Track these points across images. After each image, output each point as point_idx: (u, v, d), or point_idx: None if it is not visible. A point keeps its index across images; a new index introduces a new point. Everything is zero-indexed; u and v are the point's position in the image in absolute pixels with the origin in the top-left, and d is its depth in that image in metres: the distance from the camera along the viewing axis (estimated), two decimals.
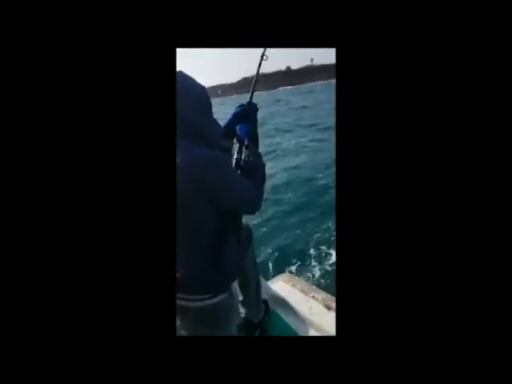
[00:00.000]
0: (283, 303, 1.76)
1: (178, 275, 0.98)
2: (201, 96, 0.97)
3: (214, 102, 1.05)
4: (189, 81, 0.96)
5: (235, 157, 1.16)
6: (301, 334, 1.54)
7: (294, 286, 1.92)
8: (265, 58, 1.23)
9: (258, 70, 1.26)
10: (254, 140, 1.16)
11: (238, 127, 1.19)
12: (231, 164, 1.09)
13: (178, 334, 1.28)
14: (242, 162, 1.13)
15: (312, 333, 1.53)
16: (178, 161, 0.87)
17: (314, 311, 1.65)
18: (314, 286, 2.03)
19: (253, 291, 1.47)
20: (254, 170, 1.11)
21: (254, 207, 1.07)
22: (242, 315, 1.50)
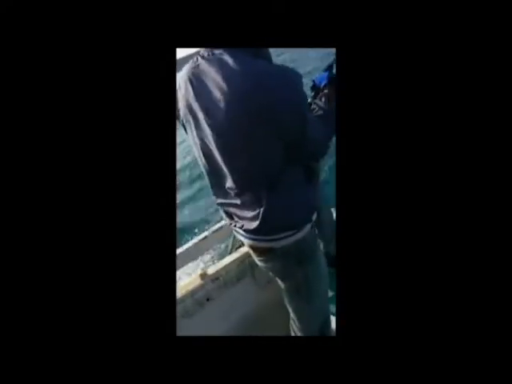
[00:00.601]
0: None
1: (257, 217, 0.90)
2: None
3: None
4: None
5: (309, 101, 1.07)
6: None
7: None
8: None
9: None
10: (332, 83, 1.09)
11: (315, 77, 1.14)
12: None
13: (268, 277, 1.23)
14: (314, 105, 1.04)
15: None
16: (236, 72, 0.75)
17: None
18: None
19: (327, 222, 1.39)
20: (326, 113, 1.00)
21: (319, 150, 0.97)
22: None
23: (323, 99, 1.04)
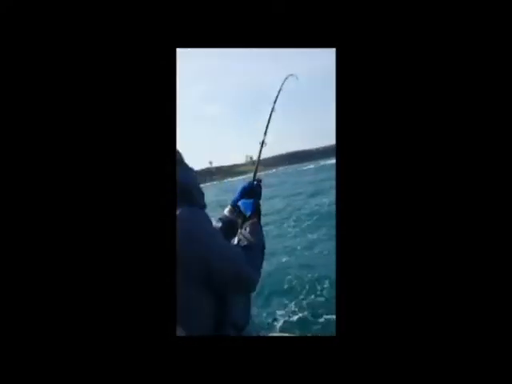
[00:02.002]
0: None
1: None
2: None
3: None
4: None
5: (239, 232, 1.05)
6: None
7: None
8: (264, 144, 1.27)
9: (259, 157, 1.29)
10: (256, 213, 1.09)
11: (241, 202, 1.13)
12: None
13: None
14: (238, 235, 1.01)
15: None
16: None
17: None
18: None
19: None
20: (251, 243, 0.97)
21: (248, 285, 0.90)
22: None
23: (248, 229, 1.01)
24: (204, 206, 0.90)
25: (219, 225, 1.09)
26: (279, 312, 3.77)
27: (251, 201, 1.13)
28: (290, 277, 4.63)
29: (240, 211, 1.12)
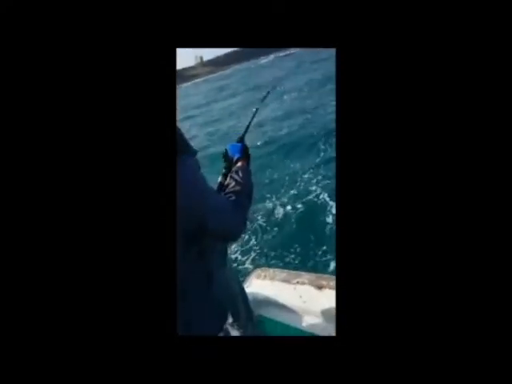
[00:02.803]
0: (269, 302, 1.57)
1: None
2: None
3: None
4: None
5: (219, 178, 1.08)
6: (300, 326, 1.42)
7: (272, 279, 1.72)
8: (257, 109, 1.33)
9: (251, 121, 1.30)
10: (245, 157, 1.10)
11: (229, 146, 1.14)
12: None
13: None
14: (228, 178, 1.02)
15: (313, 320, 1.40)
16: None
17: (305, 297, 1.48)
18: (293, 271, 1.78)
19: (243, 310, 1.27)
20: (241, 189, 0.96)
21: (234, 232, 0.90)
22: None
23: (240, 173, 1.01)
24: (195, 152, 0.86)
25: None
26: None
27: (239, 145, 1.13)
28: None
29: (228, 155, 1.13)
